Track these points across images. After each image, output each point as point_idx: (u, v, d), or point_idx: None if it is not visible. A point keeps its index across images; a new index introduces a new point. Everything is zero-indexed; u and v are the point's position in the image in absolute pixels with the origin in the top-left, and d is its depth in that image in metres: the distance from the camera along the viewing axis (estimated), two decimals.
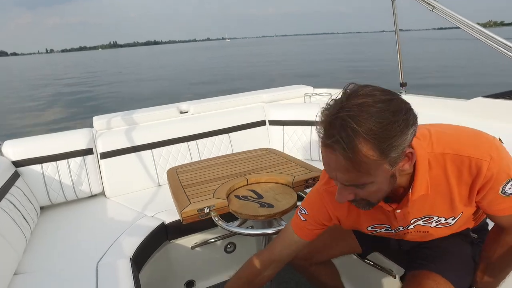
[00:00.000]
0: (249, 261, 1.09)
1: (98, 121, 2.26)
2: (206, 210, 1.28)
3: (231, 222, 1.33)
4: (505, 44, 1.73)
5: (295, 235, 1.04)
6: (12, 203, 1.64)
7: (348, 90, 0.72)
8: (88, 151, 2.06)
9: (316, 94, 2.91)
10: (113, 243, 1.57)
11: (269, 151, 1.91)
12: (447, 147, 0.83)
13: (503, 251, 0.97)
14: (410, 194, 0.85)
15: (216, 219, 1.32)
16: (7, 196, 1.64)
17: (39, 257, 1.54)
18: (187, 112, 2.53)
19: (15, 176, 1.84)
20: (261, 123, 2.57)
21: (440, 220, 0.94)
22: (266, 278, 1.07)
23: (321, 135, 0.72)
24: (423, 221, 0.96)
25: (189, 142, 2.31)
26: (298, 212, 1.05)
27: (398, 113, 0.68)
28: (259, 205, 1.31)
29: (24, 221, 1.66)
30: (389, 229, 1.01)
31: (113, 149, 2.12)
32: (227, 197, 1.38)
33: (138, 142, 2.18)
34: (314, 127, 2.43)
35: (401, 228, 0.99)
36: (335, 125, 0.68)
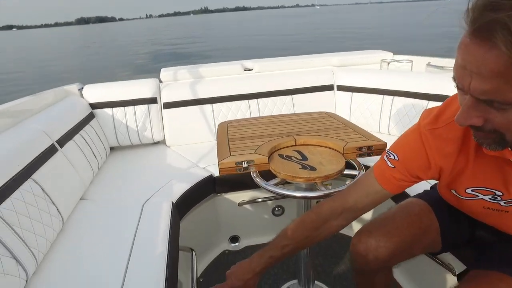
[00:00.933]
0: (316, 207, 0.94)
1: (165, 72, 2.34)
2: (245, 165, 1.24)
3: (270, 181, 1.26)
4: None
5: (376, 183, 0.85)
6: (84, 139, 1.82)
7: None
8: (153, 100, 2.17)
9: (395, 61, 2.57)
10: (161, 187, 1.65)
11: (328, 115, 1.76)
12: None
13: None
14: None
15: (254, 175, 1.27)
16: (81, 132, 1.82)
17: (101, 189, 1.70)
18: (251, 70, 2.47)
19: (90, 117, 2.03)
20: (329, 87, 2.39)
21: None
22: (334, 227, 0.91)
23: (471, 18, 0.49)
24: None
25: (250, 100, 2.27)
26: (384, 157, 0.85)
27: None
28: (301, 167, 1.22)
29: (93, 157, 1.84)
30: (498, 198, 0.75)
31: (176, 100, 2.19)
32: (270, 155, 1.31)
33: (200, 96, 2.21)
34: (386, 97, 2.17)
35: None
36: (504, 5, 0.45)
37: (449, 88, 1.93)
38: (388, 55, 2.66)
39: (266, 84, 2.31)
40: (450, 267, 1.28)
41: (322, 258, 1.88)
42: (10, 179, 1.16)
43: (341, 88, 2.38)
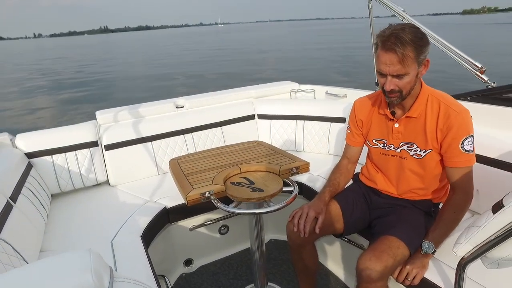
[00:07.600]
0: (336, 167, 1.69)
1: (101, 115, 2.44)
2: (207, 194, 1.52)
3: (228, 205, 1.56)
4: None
5: (349, 146, 1.65)
6: (31, 191, 1.85)
7: (391, 25, 1.24)
8: (94, 143, 2.26)
9: (301, 90, 3.13)
10: (123, 223, 1.80)
11: (259, 144, 2.13)
12: (441, 98, 1.34)
13: (450, 209, 1.31)
14: (408, 112, 1.36)
15: (216, 201, 1.55)
16: (26, 184, 1.85)
17: (58, 237, 1.76)
18: (183, 107, 2.73)
19: (29, 167, 2.03)
20: (251, 117, 2.78)
21: (417, 150, 1.38)
22: (351, 171, 1.69)
23: (386, 42, 1.20)
24: (407, 147, 1.41)
25: (185, 135, 2.52)
26: (346, 130, 1.66)
27: (423, 34, 1.24)
28: (251, 190, 1.55)
29: (41, 206, 1.87)
30: (385, 145, 1.47)
31: (116, 141, 2.32)
32: (224, 183, 1.61)
33: (139, 135, 2.38)
34: (299, 121, 2.66)
35: (392, 146, 1.45)
36: (394, 37, 1.18)
37: (346, 112, 2.45)
38: (295, 86, 3.20)
39: (198, 119, 2.59)
40: (360, 245, 1.75)
41: (270, 263, 2.22)
42: None
43: (261, 116, 2.79)
